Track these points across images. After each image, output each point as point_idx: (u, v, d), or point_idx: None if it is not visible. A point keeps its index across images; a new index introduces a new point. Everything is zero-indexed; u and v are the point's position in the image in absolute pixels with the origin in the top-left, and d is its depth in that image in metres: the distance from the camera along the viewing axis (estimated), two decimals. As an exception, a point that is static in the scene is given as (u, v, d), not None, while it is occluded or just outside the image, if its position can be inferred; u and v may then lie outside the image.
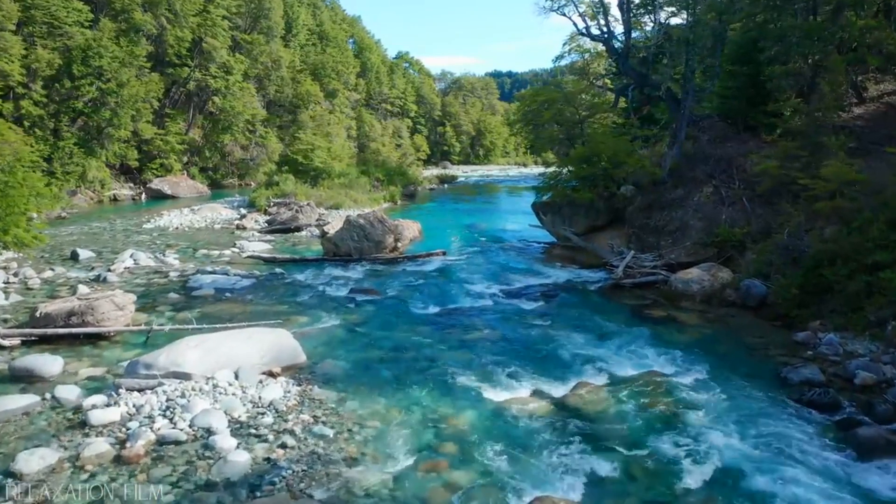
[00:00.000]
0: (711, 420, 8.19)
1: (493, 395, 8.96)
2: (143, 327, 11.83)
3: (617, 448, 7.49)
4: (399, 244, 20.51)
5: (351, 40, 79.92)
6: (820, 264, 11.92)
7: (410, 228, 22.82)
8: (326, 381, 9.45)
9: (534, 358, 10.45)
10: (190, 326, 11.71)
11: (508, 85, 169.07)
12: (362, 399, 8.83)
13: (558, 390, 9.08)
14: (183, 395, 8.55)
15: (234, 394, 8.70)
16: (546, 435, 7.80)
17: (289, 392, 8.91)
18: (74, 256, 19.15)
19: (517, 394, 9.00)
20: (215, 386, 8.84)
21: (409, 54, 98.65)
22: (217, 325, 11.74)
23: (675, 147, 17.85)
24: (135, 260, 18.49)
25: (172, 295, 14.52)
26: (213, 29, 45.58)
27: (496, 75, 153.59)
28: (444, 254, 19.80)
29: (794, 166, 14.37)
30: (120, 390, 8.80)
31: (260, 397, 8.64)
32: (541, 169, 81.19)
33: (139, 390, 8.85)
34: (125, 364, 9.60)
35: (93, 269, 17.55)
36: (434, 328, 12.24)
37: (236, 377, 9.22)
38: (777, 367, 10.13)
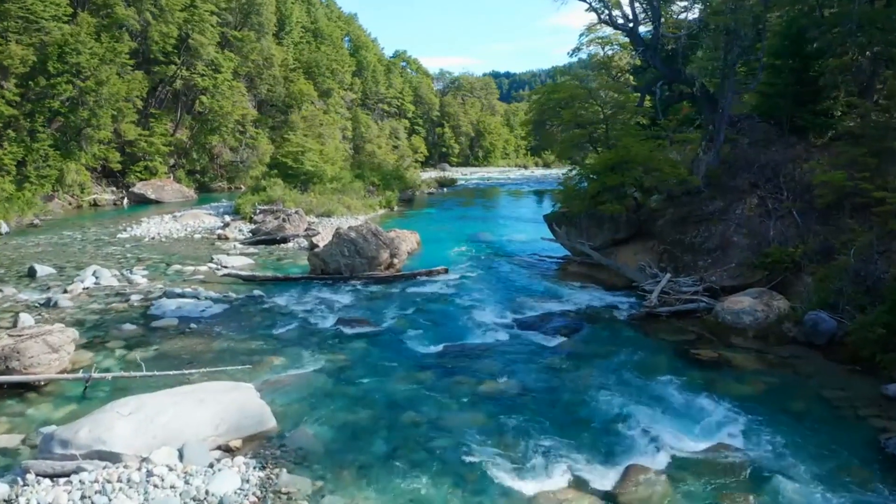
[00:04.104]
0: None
1: (520, 484, 6.76)
2: (80, 375, 9.64)
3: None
4: (395, 260, 18.26)
5: (346, 38, 77.63)
6: (908, 297, 9.78)
7: (408, 240, 20.64)
8: (299, 459, 7.27)
9: (567, 422, 8.24)
10: (138, 374, 9.60)
11: (507, 85, 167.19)
12: (345, 490, 6.67)
13: (605, 478, 6.87)
14: (103, 490, 6.36)
15: (173, 486, 6.50)
16: (597, 556, 5.64)
17: (248, 481, 6.70)
18: (31, 273, 17.05)
19: (552, 483, 6.78)
20: (150, 473, 6.64)
21: (407, 53, 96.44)
22: (171, 372, 9.67)
23: (711, 151, 15.60)
24: (97, 278, 16.35)
25: (128, 326, 12.32)
26: (200, 25, 43.27)
27: (494, 76, 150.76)
28: (446, 271, 17.58)
29: (860, 175, 12.22)
30: (28, 476, 6.71)
31: (207, 492, 6.44)
32: (542, 171, 79.30)
33: (52, 476, 6.74)
34: (43, 434, 7.49)
35: (49, 288, 15.47)
36: (438, 374, 10.03)
37: (180, 457, 7.04)
38: (874, 433, 8.03)
